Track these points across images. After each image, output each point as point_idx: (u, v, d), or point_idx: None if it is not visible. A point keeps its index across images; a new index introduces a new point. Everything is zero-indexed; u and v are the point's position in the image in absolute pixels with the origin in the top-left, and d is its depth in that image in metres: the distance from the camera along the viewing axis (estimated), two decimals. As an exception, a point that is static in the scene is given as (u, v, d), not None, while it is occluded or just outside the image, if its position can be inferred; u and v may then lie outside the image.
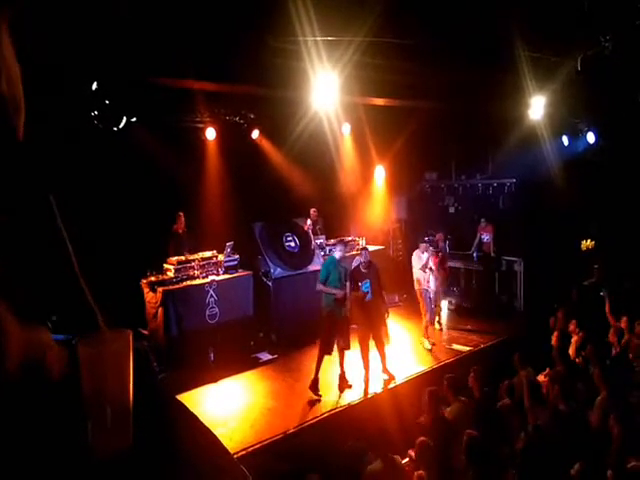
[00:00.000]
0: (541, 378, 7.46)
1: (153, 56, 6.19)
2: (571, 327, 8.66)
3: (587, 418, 5.75)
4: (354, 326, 8.16)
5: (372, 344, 8.02)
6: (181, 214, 9.42)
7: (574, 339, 8.33)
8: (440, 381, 7.06)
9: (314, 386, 7.53)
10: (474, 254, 11.90)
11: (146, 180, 9.44)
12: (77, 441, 0.67)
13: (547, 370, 7.60)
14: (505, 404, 6.15)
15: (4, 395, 0.62)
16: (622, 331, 7.86)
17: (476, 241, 11.97)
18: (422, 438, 5.20)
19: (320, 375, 7.57)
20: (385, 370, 8.12)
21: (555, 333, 8.40)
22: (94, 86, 6.28)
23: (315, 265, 10.12)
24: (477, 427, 5.42)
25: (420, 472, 4.57)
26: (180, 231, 9.40)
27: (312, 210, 11.05)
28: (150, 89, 6.80)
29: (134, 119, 7.17)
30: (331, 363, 7.86)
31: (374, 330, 8.01)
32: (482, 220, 11.89)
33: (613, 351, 7.46)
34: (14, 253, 0.69)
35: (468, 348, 9.32)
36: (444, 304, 11.95)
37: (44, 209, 0.75)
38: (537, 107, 10.18)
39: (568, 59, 8.99)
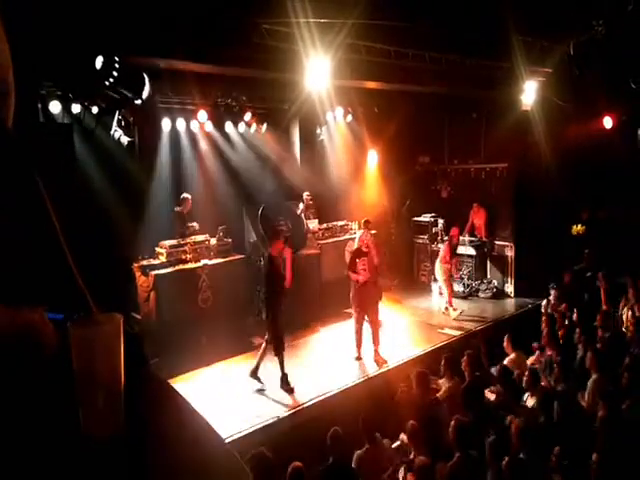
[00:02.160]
0: (531, 361, 7.53)
1: (143, 37, 6.11)
2: (561, 311, 8.74)
3: (578, 400, 5.83)
4: (348, 310, 8.29)
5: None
6: (188, 197, 9.33)
7: (565, 322, 8.40)
8: (431, 365, 7.14)
9: (286, 380, 7.40)
10: (466, 238, 11.95)
11: (137, 163, 9.40)
12: (70, 420, 0.66)
13: (537, 354, 7.67)
14: (497, 389, 6.21)
15: None
16: (609, 315, 7.92)
17: (468, 225, 12.02)
18: (412, 422, 5.25)
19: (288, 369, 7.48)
20: (377, 354, 8.21)
21: (544, 317, 8.47)
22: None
23: (308, 249, 10.12)
24: (467, 410, 5.48)
25: (422, 458, 4.60)
26: (185, 212, 9.32)
27: (305, 194, 11.02)
28: (140, 69, 6.71)
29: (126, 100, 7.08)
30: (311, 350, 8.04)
31: (369, 311, 8.19)
32: (474, 205, 11.93)
33: (599, 335, 7.50)
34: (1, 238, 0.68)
35: (459, 332, 9.38)
36: (435, 288, 12.02)
37: (32, 195, 0.74)
38: (529, 92, 10.17)
39: (561, 44, 8.97)
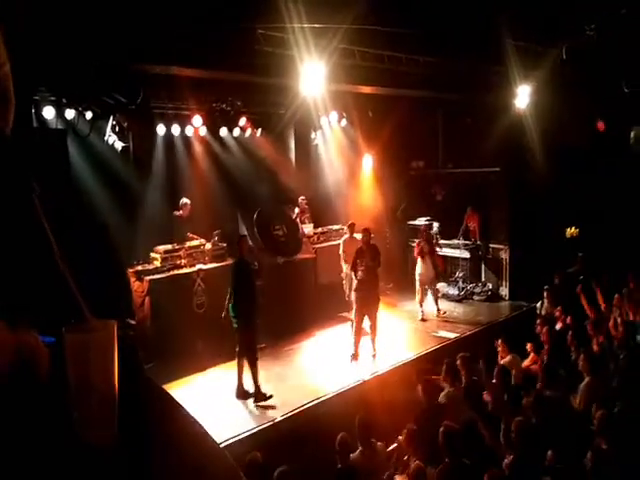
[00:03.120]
0: (526, 364, 7.55)
1: (137, 43, 6.12)
2: (556, 313, 8.76)
3: (570, 403, 5.83)
4: (344, 314, 8.34)
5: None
6: (188, 202, 9.40)
7: (559, 325, 8.42)
8: (426, 368, 7.14)
9: (260, 395, 7.10)
10: (460, 241, 11.98)
11: (132, 169, 9.40)
12: (62, 437, 0.67)
13: (531, 356, 7.69)
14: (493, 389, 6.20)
15: None
16: (599, 321, 7.93)
17: (462, 228, 12.05)
18: (410, 425, 5.24)
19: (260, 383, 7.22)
20: (373, 348, 8.45)
21: (539, 320, 8.49)
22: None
23: (303, 253, 10.12)
24: (471, 411, 5.47)
25: (417, 463, 4.58)
26: (184, 217, 9.39)
27: (301, 198, 11.04)
28: (135, 75, 6.71)
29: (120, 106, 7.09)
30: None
31: (369, 309, 8.37)
32: (468, 208, 11.97)
33: (593, 341, 7.50)
34: None
35: (454, 335, 9.40)
36: (429, 292, 12.03)
37: (25, 205, 0.74)
38: (523, 96, 10.23)
39: (554, 48, 9.02)
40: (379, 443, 5.32)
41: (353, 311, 8.58)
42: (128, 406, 0.70)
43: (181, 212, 9.35)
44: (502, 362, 7.21)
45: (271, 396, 7.12)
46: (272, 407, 6.96)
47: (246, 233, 9.78)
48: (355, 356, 8.33)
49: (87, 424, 0.68)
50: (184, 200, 9.42)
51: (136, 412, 0.72)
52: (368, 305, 8.39)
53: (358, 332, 8.40)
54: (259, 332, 7.53)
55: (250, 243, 7.60)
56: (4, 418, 0.63)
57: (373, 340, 8.48)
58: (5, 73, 0.74)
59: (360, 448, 5.18)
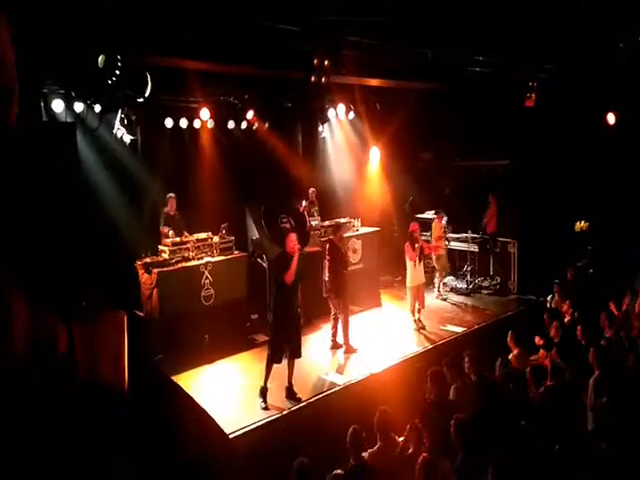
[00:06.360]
0: (535, 358, 7.52)
1: (146, 35, 6.12)
2: (564, 307, 8.72)
3: (579, 397, 5.82)
4: (350, 307, 8.38)
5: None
6: (173, 196, 9.26)
7: (567, 319, 8.39)
8: (436, 361, 7.12)
9: (263, 394, 6.89)
10: (468, 235, 11.91)
11: (140, 162, 9.42)
12: (76, 407, 0.68)
13: (541, 352, 7.66)
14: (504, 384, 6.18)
15: (16, 367, 0.64)
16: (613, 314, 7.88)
17: (485, 220, 11.94)
18: (417, 419, 5.23)
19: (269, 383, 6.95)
20: (347, 342, 8.57)
21: (546, 314, 8.46)
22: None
23: (310, 246, 10.11)
24: (477, 409, 5.46)
25: (425, 455, 4.57)
26: (172, 213, 9.28)
27: (311, 190, 11.02)
28: (143, 68, 6.71)
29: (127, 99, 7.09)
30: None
31: (346, 304, 8.61)
32: (489, 196, 11.84)
33: (606, 334, 7.45)
34: (17, 243, 0.70)
35: (462, 329, 9.39)
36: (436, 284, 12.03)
37: (35, 198, 0.75)
38: (530, 88, 10.16)
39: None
40: (397, 437, 5.29)
41: (343, 313, 8.63)
42: (139, 397, 0.71)
43: (168, 208, 9.16)
44: (510, 356, 7.20)
45: (267, 406, 6.88)
46: (280, 399, 6.98)
47: (254, 227, 9.82)
48: (351, 350, 8.49)
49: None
50: (169, 194, 9.22)
51: (147, 403, 0.73)
52: (345, 300, 8.55)
53: (346, 326, 8.54)
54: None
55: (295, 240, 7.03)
56: (28, 385, 0.64)
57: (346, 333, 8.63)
58: (8, 58, 0.74)
59: (379, 443, 5.15)
